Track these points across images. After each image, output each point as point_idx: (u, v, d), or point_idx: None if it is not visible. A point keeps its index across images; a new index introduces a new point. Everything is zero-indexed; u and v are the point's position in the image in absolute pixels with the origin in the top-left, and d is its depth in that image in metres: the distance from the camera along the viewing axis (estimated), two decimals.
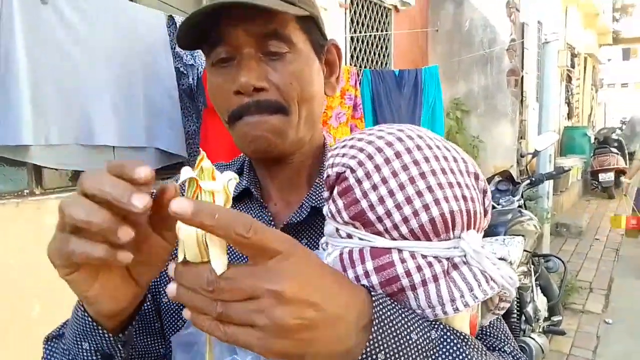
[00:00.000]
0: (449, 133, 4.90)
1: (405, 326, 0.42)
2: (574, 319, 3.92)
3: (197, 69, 2.44)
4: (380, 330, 0.40)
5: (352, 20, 4.06)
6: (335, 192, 0.48)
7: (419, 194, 0.44)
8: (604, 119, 16.37)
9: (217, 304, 0.35)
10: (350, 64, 3.99)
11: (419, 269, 0.43)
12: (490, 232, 0.52)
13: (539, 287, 3.04)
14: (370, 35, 4.33)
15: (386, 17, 4.61)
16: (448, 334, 0.44)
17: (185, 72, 2.43)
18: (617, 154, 8.92)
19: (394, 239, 0.45)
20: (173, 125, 2.36)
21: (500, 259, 0.49)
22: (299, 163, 0.65)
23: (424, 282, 0.43)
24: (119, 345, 0.49)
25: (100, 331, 0.47)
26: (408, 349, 0.41)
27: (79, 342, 0.48)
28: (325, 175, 0.50)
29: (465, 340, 0.44)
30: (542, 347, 2.68)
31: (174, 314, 0.63)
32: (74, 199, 0.38)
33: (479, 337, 0.55)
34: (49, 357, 0.57)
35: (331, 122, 3.24)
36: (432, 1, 5.42)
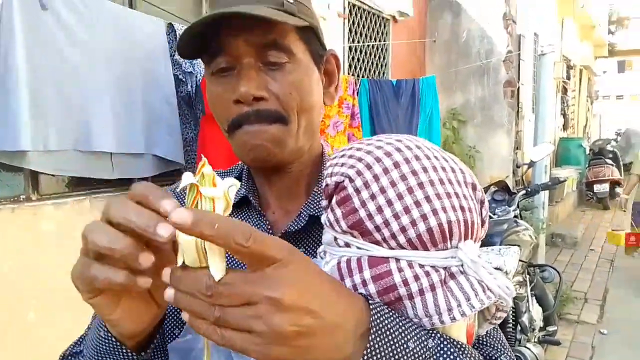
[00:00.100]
0: (445, 143, 4.93)
1: (403, 335, 0.42)
2: (569, 329, 3.92)
3: (196, 77, 2.45)
4: (378, 339, 0.40)
5: (350, 30, 4.09)
6: (333, 201, 0.48)
7: (417, 203, 0.45)
8: (599, 131, 16.50)
9: (215, 309, 0.36)
10: (349, 74, 4.02)
11: (417, 278, 0.44)
12: (486, 241, 0.53)
13: (534, 297, 3.05)
14: (368, 45, 4.36)
15: (384, 27, 4.65)
16: (445, 342, 0.44)
17: (184, 79, 2.44)
18: (612, 165, 8.98)
19: (392, 248, 0.45)
20: (171, 132, 2.36)
21: (496, 268, 0.49)
22: (297, 172, 0.66)
23: (421, 291, 0.43)
24: None
25: (124, 351, 0.49)
26: (405, 357, 0.41)
27: None
28: (324, 184, 0.50)
29: (462, 349, 0.45)
30: (537, 357, 2.67)
31: (171, 322, 0.63)
32: (97, 226, 0.39)
33: (475, 347, 0.55)
34: None
35: (329, 130, 3.25)
36: (430, 12, 5.48)
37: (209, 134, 2.38)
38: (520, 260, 2.54)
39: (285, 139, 0.60)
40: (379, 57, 4.63)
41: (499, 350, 0.57)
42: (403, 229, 0.44)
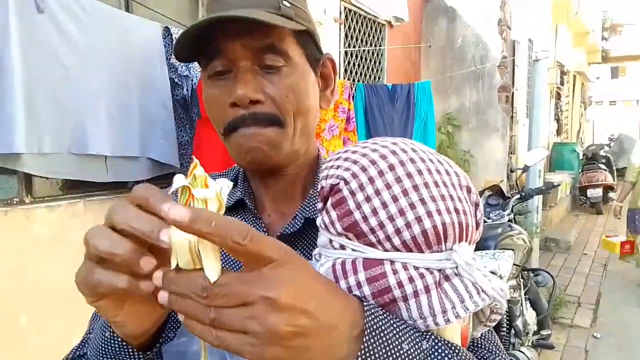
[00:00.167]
0: (440, 147, 4.95)
1: (397, 336, 0.42)
2: (563, 333, 3.93)
3: (192, 80, 2.45)
4: (372, 340, 0.40)
5: (346, 35, 4.11)
6: (329, 203, 0.49)
7: (412, 206, 0.45)
8: (592, 136, 16.62)
9: (211, 310, 0.36)
10: (344, 78, 4.03)
11: (411, 280, 0.44)
12: (480, 245, 0.53)
13: (528, 301, 3.06)
14: (364, 50, 4.38)
15: (380, 32, 4.67)
16: (439, 344, 0.44)
17: (179, 83, 2.44)
18: (605, 170, 9.06)
19: (387, 250, 0.45)
20: (167, 136, 2.35)
21: (491, 272, 0.50)
22: (293, 175, 0.66)
23: (415, 293, 0.44)
24: None
25: (131, 351, 0.49)
26: (399, 359, 0.41)
27: None
28: (319, 187, 0.50)
29: (457, 351, 0.45)
30: None
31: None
32: (99, 230, 0.39)
33: (470, 349, 0.55)
34: None
35: (324, 134, 3.26)
36: (425, 18, 5.51)
37: (204, 137, 2.37)
38: (514, 264, 2.55)
39: (282, 142, 0.61)
40: (375, 62, 4.65)
41: (493, 352, 0.57)
42: (398, 231, 0.44)
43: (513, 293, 2.69)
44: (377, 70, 4.71)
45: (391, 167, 0.47)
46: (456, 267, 0.46)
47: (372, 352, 0.40)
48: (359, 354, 0.40)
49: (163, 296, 0.37)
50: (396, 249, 0.45)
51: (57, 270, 1.94)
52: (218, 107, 0.61)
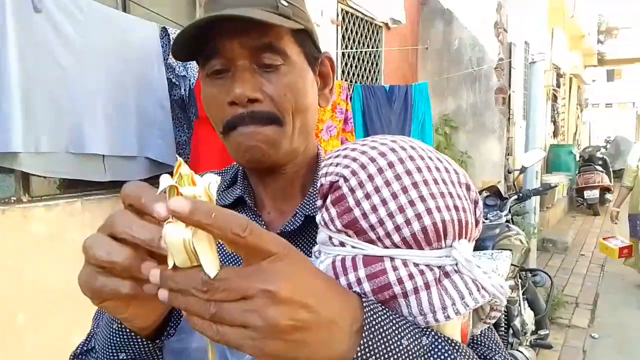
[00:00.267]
0: (437, 148, 4.93)
1: (396, 332, 0.42)
2: (561, 333, 3.95)
3: (189, 80, 2.45)
4: (372, 336, 0.40)
5: (343, 36, 4.12)
6: (328, 200, 0.49)
7: (412, 203, 0.45)
8: (588, 138, 16.69)
9: (211, 305, 0.35)
10: (342, 79, 4.04)
11: (411, 276, 0.44)
12: (478, 246, 0.53)
13: (526, 301, 3.06)
14: (361, 52, 4.39)
15: (377, 34, 4.68)
16: (439, 340, 0.44)
17: (177, 83, 2.43)
18: (602, 171, 9.09)
19: (386, 247, 0.45)
20: (164, 136, 2.35)
21: None
22: (292, 173, 0.66)
23: (415, 290, 0.44)
24: (157, 351, 0.51)
25: (139, 341, 0.49)
26: (399, 354, 0.41)
27: (114, 354, 0.50)
28: (318, 184, 0.50)
29: (457, 347, 0.45)
30: None
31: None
32: (97, 239, 0.40)
33: (470, 346, 0.55)
34: None
35: (322, 135, 3.26)
36: (422, 20, 5.53)
37: (202, 137, 2.37)
38: (512, 265, 2.56)
39: (280, 141, 0.61)
40: (372, 64, 4.66)
41: (493, 350, 0.57)
42: (397, 228, 0.44)
43: (511, 293, 2.70)
44: (374, 72, 4.72)
45: (390, 165, 0.47)
46: (456, 264, 0.46)
47: (371, 348, 0.40)
48: (358, 349, 0.40)
49: (163, 294, 0.37)
50: (396, 246, 0.45)
51: (54, 269, 1.93)
52: (217, 105, 0.61)
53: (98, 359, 0.53)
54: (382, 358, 0.40)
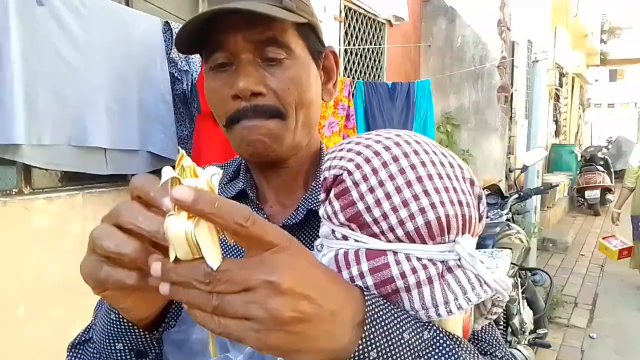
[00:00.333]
0: None
1: (398, 326, 0.42)
2: (559, 332, 3.95)
3: (192, 75, 2.45)
4: (373, 329, 0.40)
5: (346, 33, 4.10)
6: (332, 194, 0.49)
7: (416, 197, 0.45)
8: (590, 138, 16.67)
9: (213, 297, 0.35)
10: (344, 76, 4.03)
11: (414, 271, 0.44)
12: (478, 244, 0.53)
13: (525, 300, 3.07)
14: (364, 48, 4.38)
15: (380, 31, 4.67)
16: (441, 334, 0.44)
17: (179, 77, 2.43)
18: (603, 172, 9.08)
19: (390, 241, 0.45)
20: (166, 130, 2.35)
21: None
22: (295, 167, 0.66)
23: (418, 284, 0.44)
24: (154, 342, 0.51)
25: (137, 331, 0.50)
26: (400, 347, 0.41)
27: (112, 344, 0.50)
28: (322, 178, 0.50)
29: (458, 342, 0.45)
30: (527, 359, 2.69)
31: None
32: (105, 230, 0.40)
33: (471, 341, 0.55)
34: None
35: (324, 131, 3.26)
36: (425, 17, 5.51)
37: (204, 131, 2.37)
38: (512, 263, 2.56)
39: (283, 134, 0.61)
40: (375, 60, 4.65)
41: (493, 345, 0.57)
42: (401, 222, 0.44)
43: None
44: (376, 69, 4.71)
45: (395, 159, 0.47)
46: (459, 259, 0.46)
47: (373, 341, 0.40)
48: (359, 342, 0.40)
49: (164, 288, 0.37)
50: (399, 240, 0.45)
51: (55, 261, 1.94)
52: (220, 99, 0.61)
53: (95, 349, 0.53)
54: (384, 351, 0.41)
